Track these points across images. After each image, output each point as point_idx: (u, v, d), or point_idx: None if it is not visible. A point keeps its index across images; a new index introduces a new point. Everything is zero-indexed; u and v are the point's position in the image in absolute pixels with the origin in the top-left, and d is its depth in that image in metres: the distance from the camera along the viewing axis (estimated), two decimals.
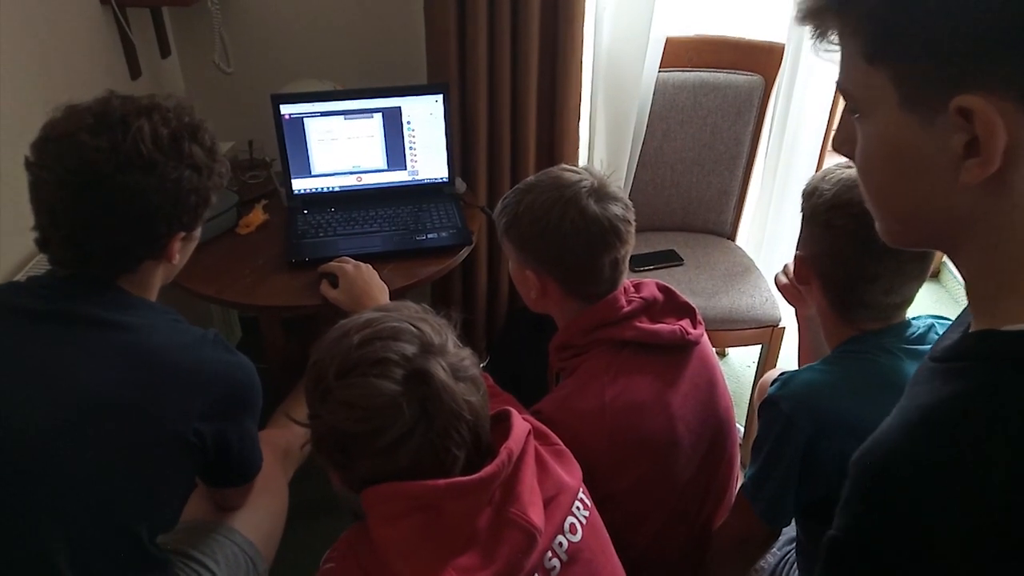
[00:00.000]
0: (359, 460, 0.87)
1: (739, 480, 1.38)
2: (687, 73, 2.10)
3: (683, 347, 1.23)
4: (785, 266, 1.39)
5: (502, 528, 0.87)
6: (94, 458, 0.93)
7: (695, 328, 1.25)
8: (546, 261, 1.21)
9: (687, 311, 1.27)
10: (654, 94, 2.07)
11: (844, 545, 0.60)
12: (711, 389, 1.26)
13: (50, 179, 0.98)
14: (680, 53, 2.08)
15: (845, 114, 0.65)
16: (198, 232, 1.14)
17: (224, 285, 1.59)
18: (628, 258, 1.23)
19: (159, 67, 1.98)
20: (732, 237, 2.30)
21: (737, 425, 2.07)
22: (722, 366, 2.46)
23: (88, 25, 1.68)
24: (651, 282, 1.28)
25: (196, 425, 1.00)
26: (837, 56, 0.62)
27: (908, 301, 1.15)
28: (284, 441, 1.45)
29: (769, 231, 2.30)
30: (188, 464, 1.03)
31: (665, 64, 2.05)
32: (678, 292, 1.28)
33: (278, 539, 1.32)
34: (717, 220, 2.27)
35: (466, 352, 0.93)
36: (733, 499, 1.30)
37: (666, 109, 2.12)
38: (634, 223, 1.22)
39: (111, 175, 0.97)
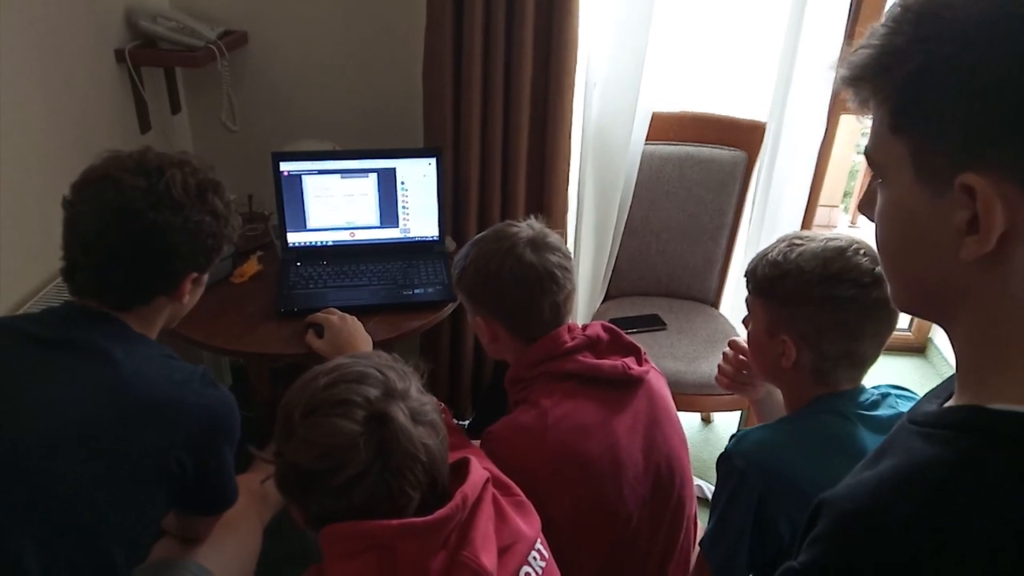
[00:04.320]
0: (316, 498, 0.91)
1: (697, 530, 1.41)
2: (673, 147, 2.19)
3: (627, 382, 1.29)
4: (725, 361, 1.40)
5: (454, 570, 0.90)
6: (74, 480, 0.98)
7: (639, 365, 1.31)
8: (491, 306, 1.31)
9: (632, 350, 1.34)
10: (641, 165, 2.16)
11: None
12: (657, 425, 1.30)
13: (88, 212, 1.10)
14: (666, 127, 2.17)
15: (872, 180, 0.69)
16: (206, 278, 1.24)
17: (214, 331, 1.64)
18: (569, 302, 1.32)
19: (169, 123, 2.08)
20: (715, 305, 2.35)
21: (709, 485, 2.08)
22: (706, 431, 2.50)
23: (103, 81, 1.79)
24: (597, 323, 1.36)
25: (178, 454, 1.06)
26: (869, 122, 0.66)
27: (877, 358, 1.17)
28: (261, 487, 1.48)
29: None
30: (165, 491, 1.08)
31: (652, 137, 2.14)
32: (623, 333, 1.36)
33: None
34: (701, 287, 2.33)
35: (428, 398, 0.97)
36: (685, 544, 1.33)
37: (653, 180, 2.21)
38: (572, 270, 1.32)
39: (144, 211, 1.09)
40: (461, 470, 0.99)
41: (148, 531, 1.11)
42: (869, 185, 0.70)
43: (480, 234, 1.36)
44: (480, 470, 1.00)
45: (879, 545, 0.58)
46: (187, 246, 1.14)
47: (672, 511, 1.31)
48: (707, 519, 1.19)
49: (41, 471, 0.97)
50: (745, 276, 1.20)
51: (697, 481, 1.85)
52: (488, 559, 0.92)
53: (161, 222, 1.10)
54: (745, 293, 1.23)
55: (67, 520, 0.98)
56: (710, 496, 1.62)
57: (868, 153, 0.66)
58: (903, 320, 2.92)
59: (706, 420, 2.56)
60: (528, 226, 1.32)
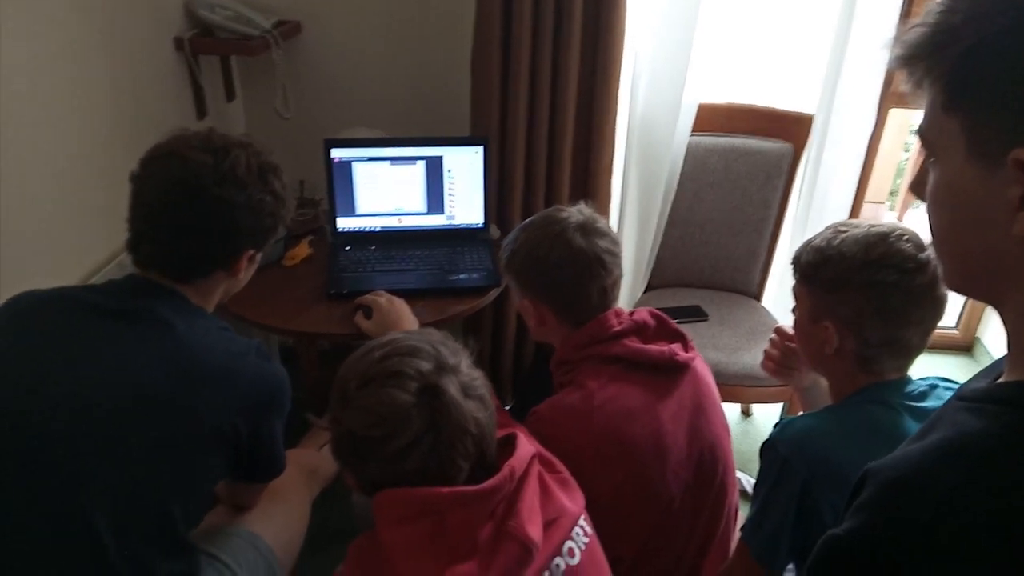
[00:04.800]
0: (370, 464, 0.95)
1: (737, 520, 1.41)
2: (718, 138, 2.19)
3: (673, 368, 1.30)
4: (772, 346, 1.41)
5: (500, 540, 0.93)
6: (139, 441, 1.03)
7: (686, 352, 1.32)
8: (539, 290, 1.34)
9: (678, 336, 1.35)
10: (686, 156, 2.17)
11: (846, 544, 0.62)
12: (702, 412, 1.32)
13: (155, 185, 1.15)
14: (712, 119, 2.17)
15: (924, 160, 0.70)
16: (259, 257, 1.29)
17: (266, 311, 1.70)
18: (617, 287, 1.34)
19: (224, 109, 2.14)
20: (758, 297, 2.35)
21: (749, 478, 2.08)
22: (746, 424, 2.49)
23: (162, 68, 1.86)
24: (644, 309, 1.37)
25: (235, 420, 1.11)
26: (918, 119, 0.67)
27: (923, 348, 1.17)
28: (311, 462, 1.53)
29: None
30: (222, 454, 1.13)
31: (697, 128, 2.15)
32: (670, 320, 1.36)
33: (297, 551, 1.39)
34: (744, 280, 2.32)
35: (478, 373, 1.00)
36: (725, 531, 1.33)
37: (697, 171, 2.21)
38: (620, 256, 1.33)
39: (209, 187, 1.14)
40: (508, 445, 1.02)
41: (204, 495, 1.16)
42: (921, 165, 0.71)
43: (529, 219, 1.39)
44: (527, 445, 1.03)
45: (923, 513, 0.58)
46: (248, 223, 1.19)
47: (714, 497, 1.32)
48: (748, 510, 1.19)
49: (109, 435, 1.02)
50: (791, 263, 1.21)
51: (737, 473, 1.86)
52: (534, 531, 0.94)
53: (226, 197, 1.15)
54: (790, 286, 1.23)
55: (133, 482, 1.03)
56: (750, 489, 1.62)
57: (921, 132, 0.67)
58: (950, 318, 2.87)
59: (746, 413, 2.55)
60: (578, 211, 1.34)
